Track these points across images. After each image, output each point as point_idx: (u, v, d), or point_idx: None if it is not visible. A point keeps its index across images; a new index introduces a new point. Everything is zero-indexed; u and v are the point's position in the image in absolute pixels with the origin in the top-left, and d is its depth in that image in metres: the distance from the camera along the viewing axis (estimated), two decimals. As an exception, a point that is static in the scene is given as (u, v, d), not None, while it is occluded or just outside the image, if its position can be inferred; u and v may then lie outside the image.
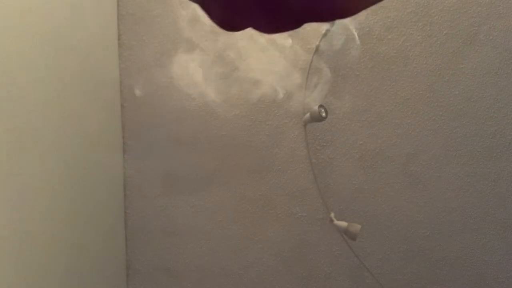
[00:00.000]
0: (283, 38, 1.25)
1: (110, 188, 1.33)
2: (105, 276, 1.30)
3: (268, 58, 1.27)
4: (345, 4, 0.32)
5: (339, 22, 1.18)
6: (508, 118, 1.15)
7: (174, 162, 1.35)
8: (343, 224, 1.15)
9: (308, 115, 1.16)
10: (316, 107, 1.13)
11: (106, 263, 1.32)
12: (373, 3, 0.34)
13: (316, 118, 1.14)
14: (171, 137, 1.34)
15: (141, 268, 1.39)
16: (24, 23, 0.98)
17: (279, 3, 0.32)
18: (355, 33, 1.21)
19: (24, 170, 1.00)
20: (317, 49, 1.21)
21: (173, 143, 1.35)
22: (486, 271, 1.19)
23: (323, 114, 1.13)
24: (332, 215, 1.20)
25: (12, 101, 0.96)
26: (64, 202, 1.12)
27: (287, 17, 0.33)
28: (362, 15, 1.20)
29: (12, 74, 0.96)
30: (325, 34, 1.19)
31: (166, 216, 1.37)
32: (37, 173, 1.04)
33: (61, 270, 1.11)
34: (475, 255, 1.19)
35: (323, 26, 1.18)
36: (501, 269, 1.18)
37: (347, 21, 1.21)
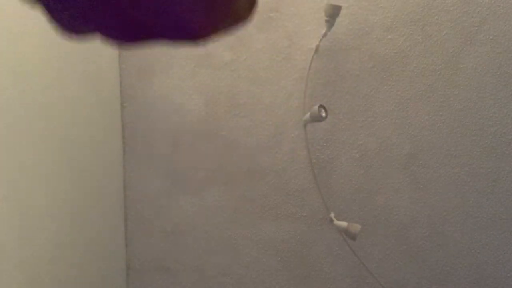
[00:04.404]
0: (281, 39, 1.25)
1: (110, 188, 1.33)
2: (105, 276, 1.30)
3: (268, 57, 1.27)
4: (192, 24, 0.29)
5: (338, 22, 1.18)
6: (508, 118, 1.15)
7: (174, 162, 1.35)
8: (343, 224, 1.15)
9: (308, 115, 1.16)
10: (316, 107, 1.13)
11: (106, 263, 1.32)
12: (226, 29, 0.30)
13: (316, 118, 1.14)
14: (171, 137, 1.34)
15: (141, 268, 1.39)
16: (25, 24, 0.98)
17: (124, 7, 0.28)
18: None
19: (24, 170, 1.00)
20: (317, 49, 1.21)
21: (173, 143, 1.35)
22: (486, 271, 1.19)
23: (323, 114, 1.13)
24: (332, 215, 1.20)
25: (13, 101, 0.96)
26: (64, 202, 1.12)
27: (134, 26, 0.29)
28: (362, 15, 1.21)
29: (12, 75, 0.96)
30: (325, 34, 1.19)
31: (166, 216, 1.37)
32: (37, 174, 1.04)
33: (61, 270, 1.11)
34: (475, 255, 1.19)
35: (323, 26, 1.18)
36: (501, 269, 1.18)
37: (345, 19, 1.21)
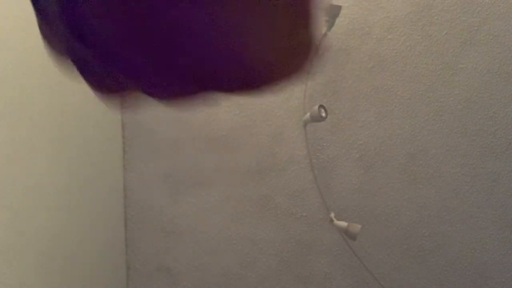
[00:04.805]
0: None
1: (110, 188, 1.33)
2: (105, 276, 1.30)
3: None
4: (252, 77, 0.26)
5: (338, 22, 1.18)
6: (508, 118, 1.15)
7: (174, 162, 1.35)
8: (343, 224, 1.15)
9: (308, 115, 1.16)
10: (316, 107, 1.13)
11: (106, 263, 1.32)
12: (289, 78, 0.29)
13: (316, 118, 1.14)
14: (171, 137, 1.34)
15: (141, 268, 1.39)
16: (27, 27, 0.98)
17: (170, 63, 0.25)
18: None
19: (24, 171, 1.00)
20: (317, 49, 1.21)
21: (173, 143, 1.35)
22: (486, 271, 1.19)
23: (323, 114, 1.13)
24: (332, 215, 1.20)
25: (13, 101, 0.96)
26: (64, 202, 1.12)
27: (181, 81, 0.27)
28: (362, 15, 1.21)
29: (12, 76, 0.96)
30: (325, 34, 1.19)
31: (166, 216, 1.37)
32: (37, 174, 1.04)
33: (61, 270, 1.11)
34: (475, 255, 1.19)
35: (323, 26, 1.18)
36: (501, 269, 1.18)
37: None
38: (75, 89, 1.16)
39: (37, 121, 1.03)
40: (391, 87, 1.21)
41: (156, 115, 1.35)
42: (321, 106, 1.13)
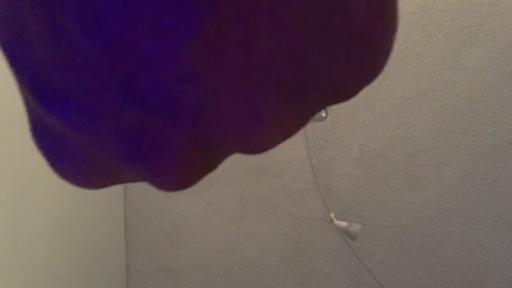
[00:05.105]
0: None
1: (110, 188, 1.33)
2: (105, 276, 1.30)
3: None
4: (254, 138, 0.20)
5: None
6: (508, 118, 1.15)
7: (174, 162, 1.35)
8: (343, 224, 1.15)
9: (308, 115, 1.15)
10: (316, 107, 1.12)
11: (106, 263, 1.32)
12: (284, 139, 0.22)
13: (316, 118, 1.14)
14: (171, 137, 1.34)
15: (141, 268, 1.39)
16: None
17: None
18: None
19: (24, 171, 1.00)
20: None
21: (173, 143, 1.34)
22: (486, 271, 1.19)
23: (323, 114, 1.13)
24: (332, 215, 1.20)
25: (13, 101, 0.96)
26: (64, 202, 1.12)
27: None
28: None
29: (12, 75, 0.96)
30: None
31: (166, 216, 1.37)
32: (36, 174, 1.04)
33: (61, 270, 1.11)
34: (475, 255, 1.19)
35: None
36: (501, 269, 1.18)
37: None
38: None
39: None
40: (391, 87, 1.21)
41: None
42: (321, 106, 1.13)
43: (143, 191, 1.37)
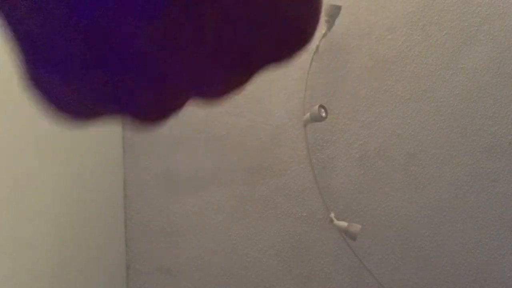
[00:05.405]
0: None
1: (110, 188, 1.33)
2: (105, 276, 1.30)
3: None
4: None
5: (338, 22, 1.18)
6: (508, 118, 1.15)
7: (174, 162, 1.35)
8: (343, 224, 1.15)
9: (308, 115, 1.16)
10: (316, 107, 1.13)
11: (106, 263, 1.32)
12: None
13: (316, 118, 1.14)
14: (171, 137, 1.34)
15: (141, 268, 1.39)
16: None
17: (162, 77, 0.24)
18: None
19: (24, 170, 1.00)
20: (317, 49, 1.21)
21: (173, 143, 1.35)
22: (486, 271, 1.19)
23: (323, 114, 1.13)
24: (332, 215, 1.20)
25: (13, 101, 0.96)
26: (64, 202, 1.12)
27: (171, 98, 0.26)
28: (362, 15, 1.20)
29: (13, 75, 0.96)
30: (325, 34, 1.19)
31: (166, 216, 1.37)
32: (37, 174, 1.04)
33: (61, 269, 1.11)
34: (475, 255, 1.19)
35: (323, 26, 1.18)
36: (501, 269, 1.18)
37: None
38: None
39: (36, 120, 1.03)
40: (391, 87, 1.21)
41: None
42: (321, 106, 1.13)
43: (143, 191, 1.37)
